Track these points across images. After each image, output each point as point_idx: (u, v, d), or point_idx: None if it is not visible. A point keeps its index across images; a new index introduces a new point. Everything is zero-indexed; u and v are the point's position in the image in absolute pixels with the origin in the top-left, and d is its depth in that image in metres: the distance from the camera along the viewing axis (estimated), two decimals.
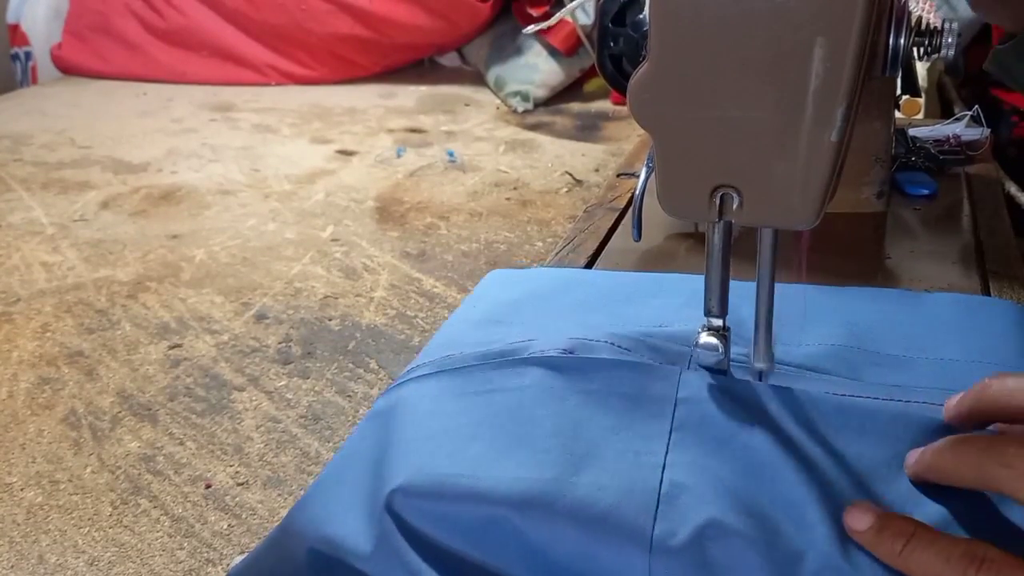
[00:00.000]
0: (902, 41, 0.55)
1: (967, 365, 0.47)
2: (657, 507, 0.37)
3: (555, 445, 0.41)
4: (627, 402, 0.43)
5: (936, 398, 0.43)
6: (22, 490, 0.64)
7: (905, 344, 0.49)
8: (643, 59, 0.39)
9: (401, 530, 0.39)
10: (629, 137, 1.43)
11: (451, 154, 1.37)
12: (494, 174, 1.30)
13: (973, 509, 0.37)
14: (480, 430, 0.43)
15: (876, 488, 0.38)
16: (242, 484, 0.64)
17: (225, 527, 0.60)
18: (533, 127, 1.54)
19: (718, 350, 0.44)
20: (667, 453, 0.40)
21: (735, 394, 0.44)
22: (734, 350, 0.46)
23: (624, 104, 0.42)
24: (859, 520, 0.35)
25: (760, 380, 0.45)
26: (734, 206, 0.40)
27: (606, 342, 0.48)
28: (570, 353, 0.47)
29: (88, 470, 0.66)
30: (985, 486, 0.35)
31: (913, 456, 0.39)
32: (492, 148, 1.42)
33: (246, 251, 1.05)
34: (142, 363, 0.81)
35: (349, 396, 0.75)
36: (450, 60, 1.97)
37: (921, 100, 1.14)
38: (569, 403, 0.43)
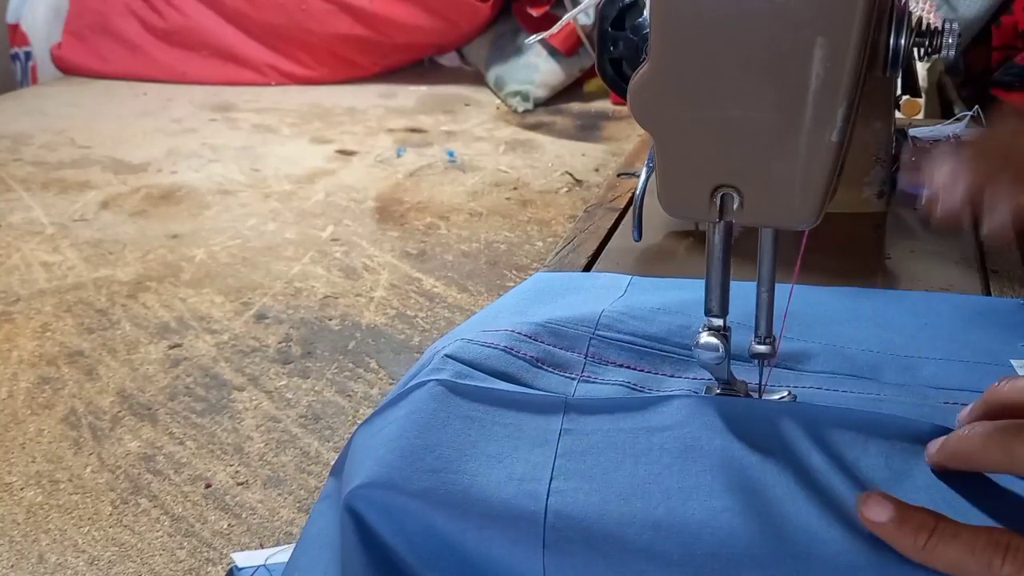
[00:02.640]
0: (902, 41, 0.55)
1: (952, 364, 0.47)
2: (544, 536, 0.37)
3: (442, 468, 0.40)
4: (511, 430, 0.43)
5: (900, 395, 0.43)
6: (22, 489, 0.64)
7: (887, 344, 0.49)
8: (643, 60, 0.39)
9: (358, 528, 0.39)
10: (629, 137, 1.43)
11: (451, 154, 1.38)
12: (494, 174, 1.30)
13: (983, 497, 0.36)
14: (386, 451, 0.42)
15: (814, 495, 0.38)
16: (242, 484, 0.64)
17: (225, 526, 0.60)
18: (533, 127, 1.54)
19: (718, 350, 0.44)
20: (551, 480, 0.39)
21: (628, 408, 0.43)
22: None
23: (624, 104, 0.42)
24: (878, 511, 0.34)
25: (763, 365, 0.45)
26: (734, 206, 0.40)
27: (507, 330, 0.48)
28: (462, 361, 0.47)
29: (88, 470, 0.66)
30: (1014, 469, 0.34)
31: (935, 445, 0.38)
32: (492, 148, 1.42)
33: (246, 251, 1.05)
34: (142, 363, 0.81)
35: (349, 396, 0.75)
36: (450, 60, 1.97)
37: (921, 100, 1.14)
38: (451, 428, 0.43)
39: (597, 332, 0.48)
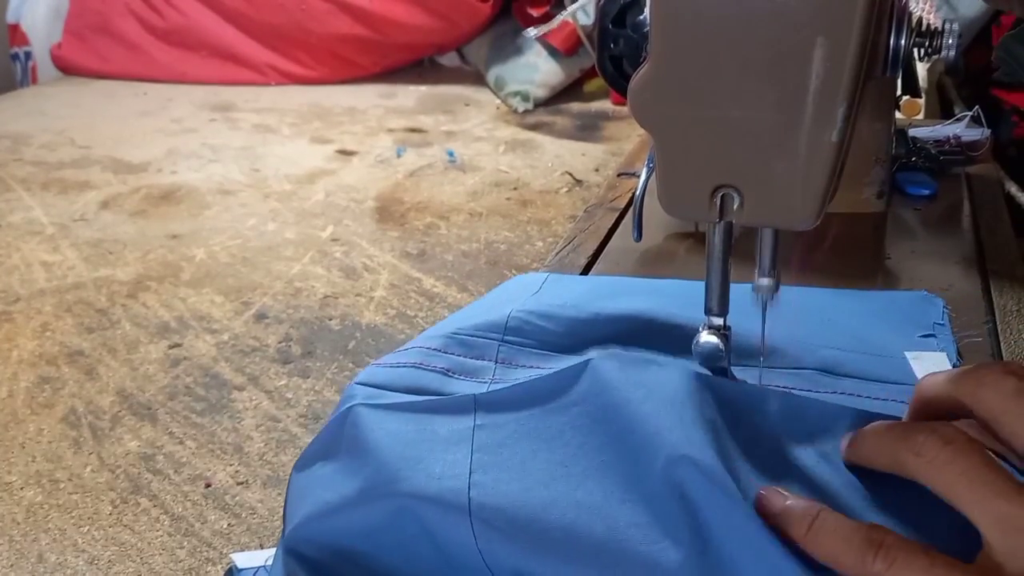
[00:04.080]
0: (902, 41, 0.55)
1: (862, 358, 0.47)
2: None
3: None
4: (427, 435, 0.43)
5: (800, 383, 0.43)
6: (22, 489, 0.64)
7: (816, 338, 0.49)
8: (643, 60, 0.39)
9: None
10: (629, 137, 1.43)
11: (451, 154, 1.38)
12: (494, 174, 1.30)
13: (893, 494, 0.37)
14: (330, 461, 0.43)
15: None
16: (242, 483, 0.64)
17: (225, 526, 0.60)
18: (533, 127, 1.54)
19: (718, 349, 0.44)
20: (471, 475, 0.40)
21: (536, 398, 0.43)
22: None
23: (624, 104, 0.42)
24: (770, 503, 0.36)
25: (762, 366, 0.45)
26: (734, 206, 0.40)
27: (417, 347, 0.48)
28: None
29: (88, 469, 0.66)
30: (899, 471, 0.36)
31: (845, 441, 0.39)
32: (492, 148, 1.42)
33: (246, 251, 1.05)
34: (142, 362, 0.81)
35: None
36: (450, 60, 1.97)
37: (921, 100, 1.14)
38: (372, 447, 0.43)
39: (505, 338, 0.49)
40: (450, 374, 0.47)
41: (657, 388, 0.40)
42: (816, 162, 0.38)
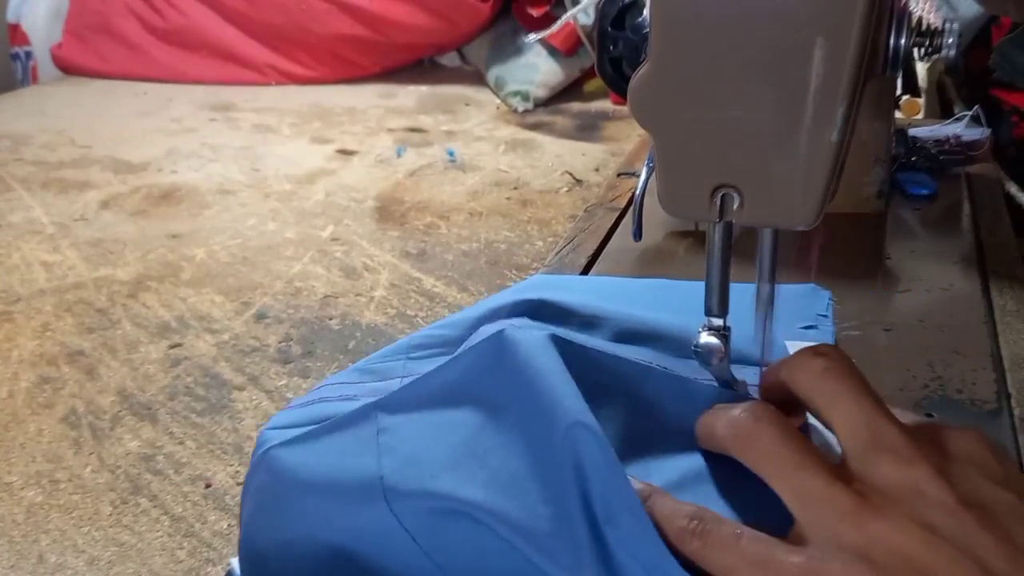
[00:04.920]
0: (902, 41, 0.55)
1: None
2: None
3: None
4: (335, 456, 0.44)
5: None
6: (22, 489, 0.64)
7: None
8: (643, 60, 0.39)
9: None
10: (629, 137, 1.43)
11: (451, 154, 1.38)
12: (494, 174, 1.30)
13: (734, 472, 0.38)
14: None
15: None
16: (242, 483, 0.64)
17: (225, 527, 0.60)
18: (533, 127, 1.54)
19: (719, 350, 0.44)
20: (382, 478, 0.40)
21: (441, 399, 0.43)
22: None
23: (624, 104, 0.42)
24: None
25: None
26: (734, 206, 0.40)
27: (325, 385, 0.49)
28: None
29: (88, 469, 0.66)
30: (724, 451, 0.38)
31: (707, 427, 0.41)
32: (492, 148, 1.42)
33: (246, 251, 1.05)
34: (142, 362, 0.81)
35: None
36: (450, 60, 1.97)
37: (921, 100, 1.14)
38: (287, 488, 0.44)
39: (410, 356, 0.49)
40: (356, 398, 0.46)
41: (547, 358, 0.40)
42: (816, 162, 0.38)
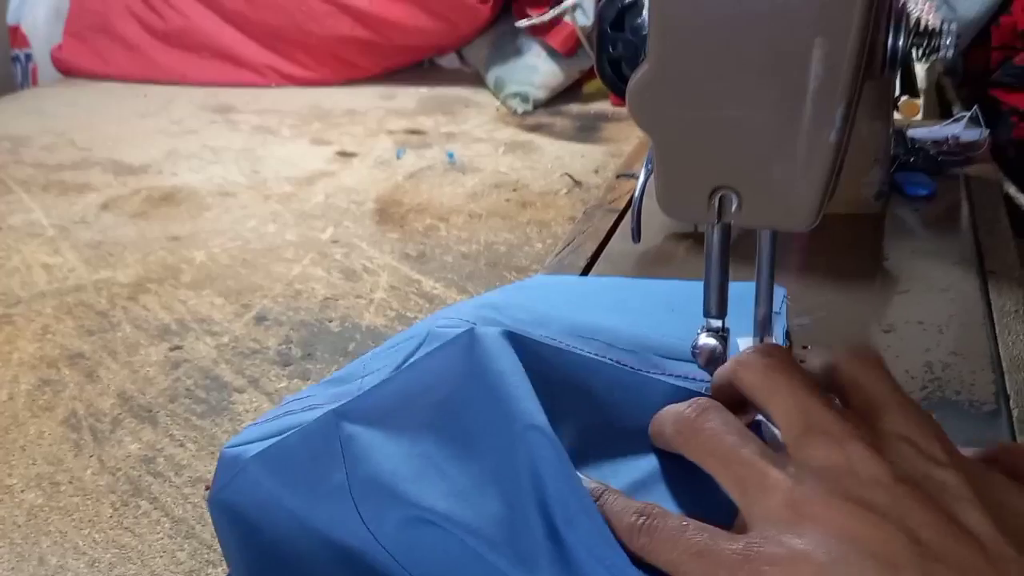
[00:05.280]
0: (901, 42, 0.55)
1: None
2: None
3: None
4: (304, 473, 0.44)
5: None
6: (23, 492, 0.64)
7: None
8: (642, 62, 0.40)
9: None
10: (628, 138, 1.43)
11: (451, 155, 1.38)
12: (494, 175, 1.30)
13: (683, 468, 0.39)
14: None
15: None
16: None
17: None
18: (532, 128, 1.55)
19: (716, 352, 0.44)
20: (351, 489, 0.40)
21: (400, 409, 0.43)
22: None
23: (623, 106, 0.42)
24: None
25: None
26: (733, 207, 0.40)
27: (287, 400, 0.49)
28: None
29: (89, 472, 0.67)
30: (671, 448, 0.39)
31: (661, 424, 0.41)
32: (492, 149, 1.43)
33: (246, 253, 1.05)
34: (142, 365, 0.81)
35: None
36: (450, 61, 1.98)
37: (920, 101, 1.15)
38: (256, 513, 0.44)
39: (365, 373, 0.49)
40: (316, 407, 0.46)
41: (504, 360, 0.40)
42: (815, 163, 0.38)
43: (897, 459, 0.34)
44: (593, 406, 0.42)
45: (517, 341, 0.42)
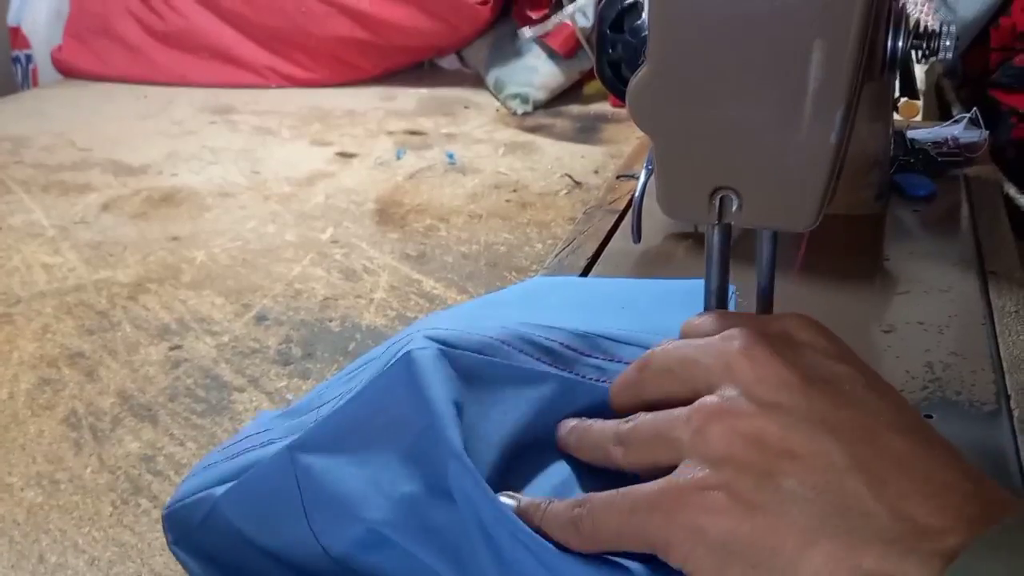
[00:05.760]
0: (900, 43, 0.55)
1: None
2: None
3: None
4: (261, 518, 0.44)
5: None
6: (22, 490, 0.65)
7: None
8: (641, 63, 0.40)
9: None
10: (628, 139, 1.44)
11: (451, 156, 1.38)
12: (494, 176, 1.30)
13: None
14: None
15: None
16: None
17: None
18: (532, 129, 1.55)
19: None
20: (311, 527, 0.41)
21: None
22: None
23: (623, 107, 0.42)
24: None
25: None
26: (733, 208, 0.40)
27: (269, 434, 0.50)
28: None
29: (88, 470, 0.67)
30: (610, 465, 0.39)
31: (562, 430, 0.42)
32: (492, 150, 1.43)
33: (246, 253, 1.06)
34: (142, 364, 0.81)
35: None
36: (450, 63, 1.98)
37: (919, 102, 1.15)
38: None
39: (321, 403, 0.49)
40: (275, 442, 0.46)
41: (438, 386, 0.41)
42: (815, 164, 0.39)
43: (801, 361, 0.35)
44: (528, 414, 0.42)
45: (455, 359, 0.41)
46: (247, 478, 0.43)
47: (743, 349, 0.36)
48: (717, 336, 0.37)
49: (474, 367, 0.42)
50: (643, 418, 0.37)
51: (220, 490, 0.44)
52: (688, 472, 0.33)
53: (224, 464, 0.47)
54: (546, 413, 0.42)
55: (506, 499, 0.37)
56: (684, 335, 0.41)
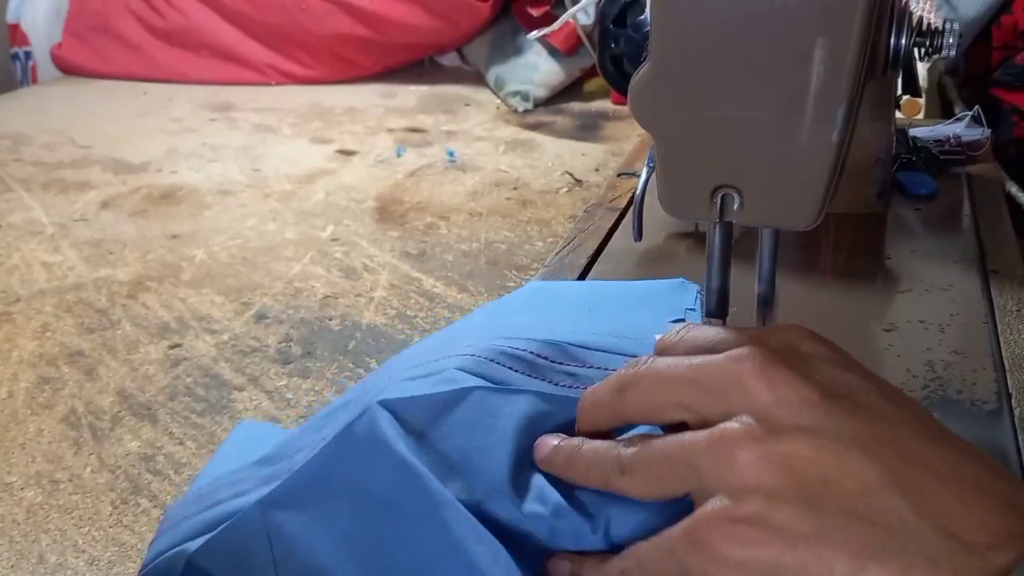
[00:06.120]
0: (903, 41, 0.55)
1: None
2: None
3: None
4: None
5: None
6: (22, 489, 0.64)
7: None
8: (644, 60, 0.39)
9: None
10: (629, 137, 1.43)
11: (451, 154, 1.38)
12: (494, 174, 1.30)
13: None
14: None
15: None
16: None
17: None
18: (533, 127, 1.54)
19: None
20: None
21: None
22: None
23: (624, 104, 0.42)
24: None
25: None
26: (735, 206, 0.40)
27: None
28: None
29: (88, 469, 0.66)
30: (609, 491, 0.37)
31: (544, 450, 0.40)
32: (492, 148, 1.43)
33: (246, 251, 1.05)
34: (142, 363, 0.81)
35: None
36: (450, 60, 1.97)
37: (922, 100, 1.14)
38: None
39: (296, 450, 0.49)
40: (247, 492, 0.46)
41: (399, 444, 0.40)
42: (817, 162, 0.38)
43: (817, 376, 0.34)
44: (509, 430, 0.41)
45: (413, 413, 0.41)
46: (220, 533, 0.43)
47: (757, 369, 0.34)
48: (721, 356, 0.35)
49: (441, 408, 0.41)
50: (650, 443, 0.36)
51: (193, 545, 0.44)
52: (718, 504, 0.32)
53: (196, 517, 0.46)
54: (526, 429, 0.41)
55: (560, 560, 0.37)
56: (668, 350, 0.39)
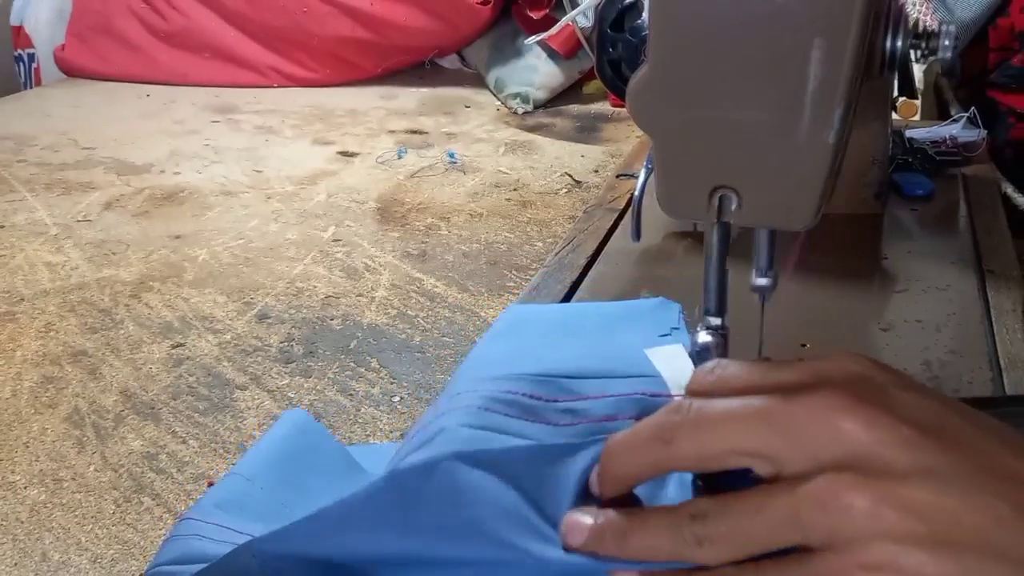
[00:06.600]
0: (899, 43, 0.55)
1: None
2: None
3: None
4: None
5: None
6: (25, 488, 0.65)
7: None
8: (642, 63, 0.40)
9: None
10: (628, 138, 1.44)
11: (452, 155, 1.38)
12: (494, 175, 1.30)
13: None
14: None
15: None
16: None
17: None
18: (533, 128, 1.55)
19: (712, 348, 0.45)
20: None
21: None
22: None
23: (623, 106, 0.42)
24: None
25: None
26: (733, 207, 0.41)
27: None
28: None
29: (91, 468, 0.67)
30: (686, 563, 0.33)
31: (580, 533, 0.34)
32: (492, 149, 1.43)
33: (248, 251, 1.06)
34: (145, 362, 0.82)
35: (350, 395, 0.75)
36: (451, 62, 1.98)
37: (918, 102, 1.15)
38: None
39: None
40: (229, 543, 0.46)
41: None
42: (814, 163, 0.39)
43: (902, 409, 0.31)
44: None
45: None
46: (207, 571, 0.43)
47: (847, 409, 0.31)
48: (793, 396, 0.32)
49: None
50: (727, 504, 0.32)
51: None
52: (843, 556, 0.30)
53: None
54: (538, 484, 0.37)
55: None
56: (711, 392, 0.34)
